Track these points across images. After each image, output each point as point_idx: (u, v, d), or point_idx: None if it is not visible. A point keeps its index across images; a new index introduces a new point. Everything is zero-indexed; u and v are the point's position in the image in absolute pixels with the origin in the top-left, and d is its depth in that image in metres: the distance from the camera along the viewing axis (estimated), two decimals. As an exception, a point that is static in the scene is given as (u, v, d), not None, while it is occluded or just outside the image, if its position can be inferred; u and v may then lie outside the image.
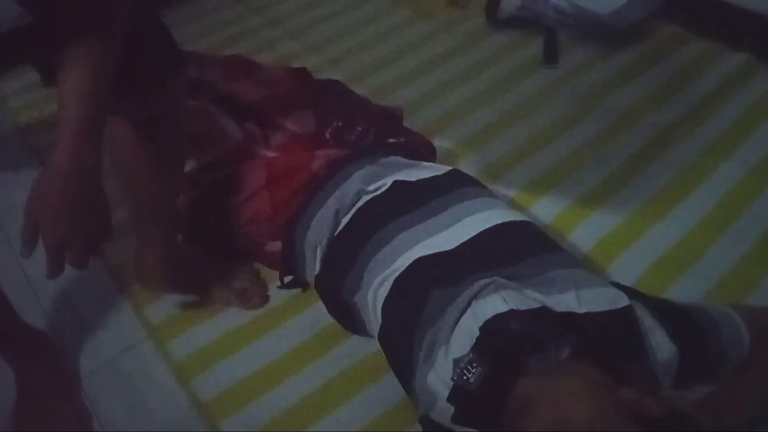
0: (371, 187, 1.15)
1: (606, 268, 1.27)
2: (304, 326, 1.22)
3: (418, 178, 1.16)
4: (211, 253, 1.33)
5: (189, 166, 1.33)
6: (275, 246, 1.23)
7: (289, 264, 1.22)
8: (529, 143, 1.56)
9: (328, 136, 1.38)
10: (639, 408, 0.74)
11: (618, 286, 0.97)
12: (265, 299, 1.26)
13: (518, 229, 1.07)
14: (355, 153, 1.26)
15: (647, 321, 0.91)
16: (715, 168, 1.46)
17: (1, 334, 1.10)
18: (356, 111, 1.45)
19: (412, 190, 1.13)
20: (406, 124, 1.53)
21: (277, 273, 1.27)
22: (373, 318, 1.04)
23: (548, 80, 1.74)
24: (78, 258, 0.83)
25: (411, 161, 1.24)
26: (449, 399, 0.87)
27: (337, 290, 1.12)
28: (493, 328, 0.86)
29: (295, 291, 1.27)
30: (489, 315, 0.87)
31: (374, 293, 1.03)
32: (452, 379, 0.86)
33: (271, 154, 1.33)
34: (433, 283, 0.96)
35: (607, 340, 0.87)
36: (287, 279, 1.26)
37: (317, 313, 1.21)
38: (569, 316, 0.87)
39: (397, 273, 1.00)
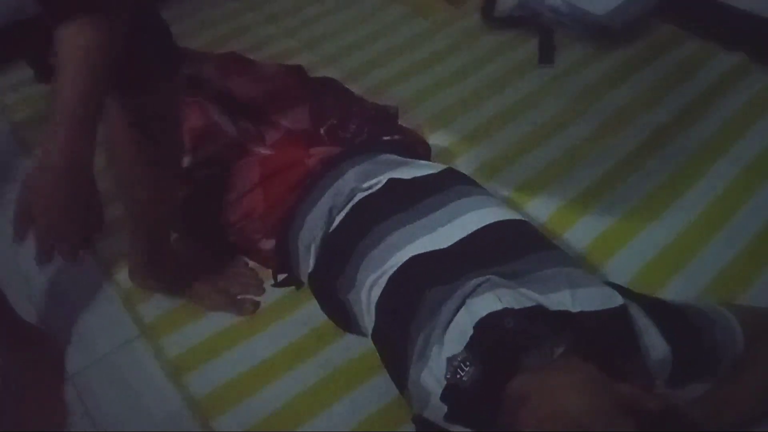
0: (366, 185, 1.14)
1: (601, 267, 1.27)
2: (298, 324, 1.21)
3: (412, 176, 1.16)
4: (205, 250, 1.32)
5: (183, 163, 1.32)
6: (269, 243, 1.23)
7: (283, 262, 1.22)
8: (524, 142, 1.56)
9: (322, 133, 1.38)
10: (634, 402, 0.74)
11: (612, 285, 0.97)
12: (256, 305, 1.25)
13: (513, 227, 1.07)
14: (350, 150, 1.26)
15: (641, 320, 0.91)
16: (709, 167, 1.46)
17: None
18: (351, 109, 1.45)
19: (407, 188, 1.13)
20: (402, 122, 1.53)
21: (270, 271, 1.27)
22: (367, 316, 1.04)
23: (544, 79, 1.74)
24: (68, 250, 0.83)
25: (406, 159, 1.23)
26: (442, 397, 0.87)
27: (331, 288, 1.12)
28: (487, 326, 0.86)
29: (289, 289, 1.26)
30: (483, 313, 0.87)
31: (368, 291, 1.02)
32: (446, 377, 0.86)
33: (265, 151, 1.32)
34: (428, 281, 0.96)
35: (602, 339, 0.87)
36: (281, 277, 1.25)
37: (311, 311, 1.21)
38: (563, 315, 0.86)
39: (392, 271, 1.00)
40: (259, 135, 1.39)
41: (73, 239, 0.83)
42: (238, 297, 1.25)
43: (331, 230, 1.13)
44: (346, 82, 1.60)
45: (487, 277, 0.92)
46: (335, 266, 1.09)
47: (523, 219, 1.11)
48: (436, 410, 0.88)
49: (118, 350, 1.20)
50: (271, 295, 1.27)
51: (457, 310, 0.90)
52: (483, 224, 1.03)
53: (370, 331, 1.04)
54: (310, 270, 1.15)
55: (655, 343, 0.90)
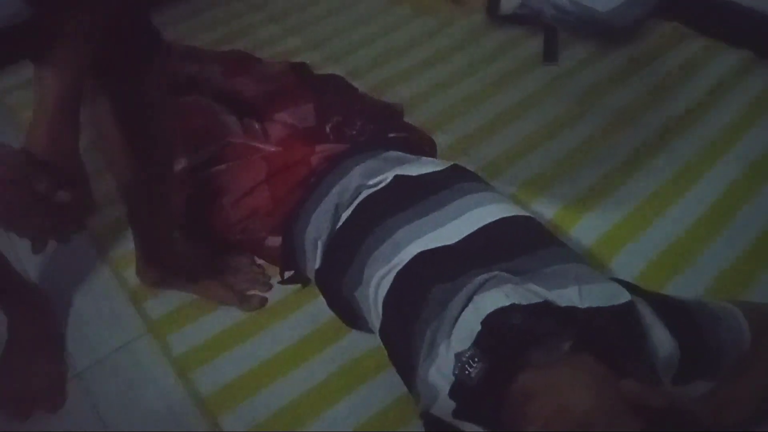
0: (372, 182, 1.15)
1: (606, 264, 1.27)
2: (305, 321, 1.22)
3: (418, 173, 1.16)
4: (210, 249, 1.33)
5: (189, 161, 1.33)
6: (275, 241, 1.23)
7: (289, 259, 1.22)
8: (529, 140, 1.56)
9: (328, 130, 1.38)
10: (639, 398, 0.74)
11: (619, 281, 0.97)
12: (263, 301, 1.25)
13: (519, 223, 1.07)
14: (356, 148, 1.26)
15: (648, 317, 0.91)
16: (714, 165, 1.46)
17: None
18: (356, 106, 1.45)
19: (413, 185, 1.13)
20: (407, 119, 1.53)
21: (277, 268, 1.27)
22: (374, 313, 1.04)
23: (548, 77, 1.74)
24: (59, 236, 0.82)
25: (411, 156, 1.23)
26: (450, 394, 0.87)
27: (337, 285, 1.12)
28: (494, 322, 0.86)
29: (296, 286, 1.27)
30: (490, 309, 0.87)
31: (375, 288, 1.02)
32: (453, 374, 0.86)
33: (270, 148, 1.32)
34: (435, 277, 0.96)
35: (609, 335, 0.87)
36: (287, 274, 1.25)
37: (317, 308, 1.21)
38: (571, 311, 0.86)
39: (399, 268, 1.00)
40: (264, 132, 1.38)
41: (62, 224, 0.82)
42: (246, 293, 1.25)
43: (337, 227, 1.13)
44: (351, 80, 1.61)
45: (494, 273, 0.92)
46: (342, 263, 1.09)
47: (529, 215, 1.11)
48: (445, 406, 0.88)
49: (125, 348, 1.20)
50: (277, 292, 1.27)
51: (465, 306, 0.89)
52: (490, 220, 1.03)
53: (377, 328, 1.04)
54: (316, 267, 1.15)
55: (662, 340, 0.90)
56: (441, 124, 1.60)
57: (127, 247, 1.29)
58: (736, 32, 1.78)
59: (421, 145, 1.39)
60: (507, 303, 0.87)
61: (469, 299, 0.90)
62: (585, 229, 1.35)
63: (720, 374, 0.95)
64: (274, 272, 1.28)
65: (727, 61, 1.74)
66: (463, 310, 0.90)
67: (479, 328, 0.86)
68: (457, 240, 1.01)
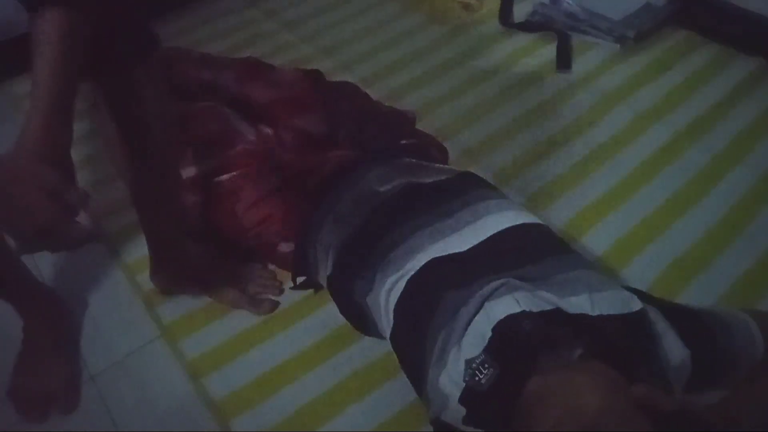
0: (384, 189, 1.15)
1: (618, 272, 1.27)
2: (317, 327, 1.22)
3: (430, 180, 1.16)
4: (222, 254, 1.33)
5: (201, 168, 1.34)
6: (288, 247, 1.23)
7: (302, 265, 1.22)
8: (541, 147, 1.56)
9: (340, 138, 1.39)
10: (651, 402, 0.74)
11: (630, 289, 0.97)
12: (275, 305, 1.26)
13: (531, 231, 1.07)
14: (368, 155, 1.27)
15: (660, 325, 0.91)
16: (727, 173, 1.46)
17: (13, 286, 1.13)
18: (369, 113, 1.46)
19: (426, 192, 1.14)
20: (419, 127, 1.53)
21: (289, 274, 1.27)
22: (385, 319, 1.04)
23: (561, 85, 1.74)
24: (58, 241, 0.82)
25: (423, 163, 1.24)
26: (461, 400, 0.87)
27: (349, 291, 1.12)
28: (505, 329, 0.86)
29: (308, 292, 1.27)
30: (501, 316, 0.87)
31: (387, 294, 1.03)
32: (464, 380, 0.86)
33: (284, 155, 1.33)
34: (446, 284, 0.96)
35: (620, 343, 0.87)
36: (300, 280, 1.26)
37: (329, 314, 1.22)
38: (582, 319, 0.86)
39: (410, 274, 1.00)
40: (277, 139, 1.40)
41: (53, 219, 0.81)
42: (257, 296, 1.26)
43: (349, 234, 1.14)
44: (363, 87, 1.61)
45: (506, 280, 0.92)
46: (353, 269, 1.10)
47: (541, 223, 1.11)
48: (455, 413, 0.88)
49: (138, 352, 1.22)
50: (289, 297, 1.28)
51: (476, 312, 0.89)
52: (501, 228, 1.04)
53: (388, 334, 1.04)
54: (328, 273, 1.16)
55: (673, 348, 0.90)
56: (453, 131, 1.61)
57: (141, 252, 1.30)
58: (748, 40, 1.77)
59: (433, 152, 1.39)
60: (518, 310, 0.87)
61: (481, 306, 0.90)
62: (597, 237, 1.34)
63: (732, 383, 0.94)
64: (286, 278, 1.28)
65: (740, 68, 1.73)
66: (474, 316, 0.90)
67: (490, 334, 0.86)
68: (468, 247, 1.01)
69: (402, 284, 1.00)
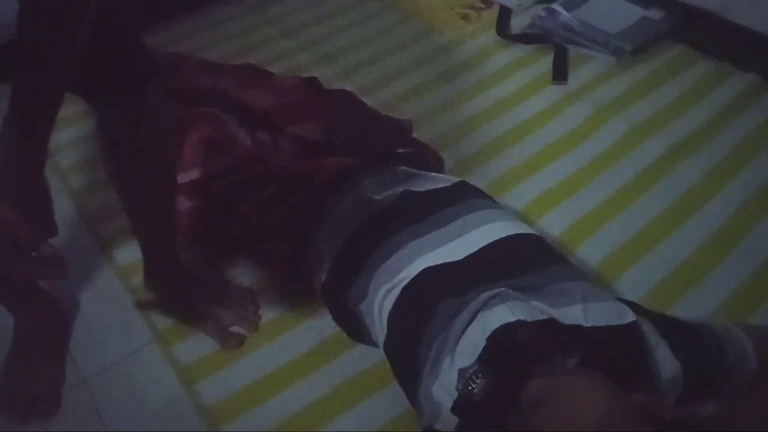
0: (380, 197, 1.15)
1: (611, 284, 1.27)
2: (310, 334, 1.22)
3: (426, 189, 1.16)
4: (217, 261, 1.33)
5: (198, 173, 1.34)
6: (285, 253, 1.23)
7: (298, 271, 1.23)
8: (537, 158, 1.56)
9: (337, 145, 1.39)
10: (652, 408, 0.74)
11: (623, 301, 0.98)
12: (242, 341, 1.22)
13: (526, 241, 1.07)
14: (364, 162, 1.27)
15: (652, 337, 0.91)
16: (722, 187, 1.46)
17: (6, 285, 1.12)
18: (366, 121, 1.47)
19: (421, 200, 1.14)
20: (416, 136, 1.54)
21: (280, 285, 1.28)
22: (379, 327, 1.04)
23: (557, 96, 1.75)
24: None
25: (419, 172, 1.24)
26: (453, 410, 0.87)
27: (343, 298, 1.12)
28: (499, 338, 0.86)
29: (303, 298, 1.27)
30: (495, 325, 0.87)
31: (380, 302, 1.03)
32: (457, 389, 0.86)
33: (281, 162, 1.34)
34: (441, 293, 0.96)
35: (613, 355, 0.87)
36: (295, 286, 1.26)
37: (323, 322, 1.22)
38: (576, 329, 0.87)
39: (404, 282, 1.00)
40: (275, 146, 1.40)
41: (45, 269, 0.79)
42: (229, 328, 1.23)
43: (344, 241, 1.14)
44: (361, 95, 1.62)
45: (500, 289, 0.92)
46: (348, 277, 1.10)
47: (535, 233, 1.11)
48: (447, 422, 0.88)
49: (131, 356, 1.21)
50: (283, 304, 1.27)
51: (470, 322, 0.90)
52: (496, 237, 1.04)
53: (381, 342, 1.05)
54: (323, 280, 1.16)
55: (665, 361, 0.90)
56: (449, 140, 1.61)
57: (134, 256, 1.30)
58: (744, 56, 1.78)
59: (429, 161, 1.40)
60: (512, 319, 0.87)
61: (475, 315, 0.90)
62: (591, 249, 1.35)
63: (725, 396, 0.95)
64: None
65: (736, 84, 1.74)
66: (468, 325, 0.90)
67: (484, 343, 0.87)
68: (463, 256, 1.01)
69: (396, 292, 1.00)
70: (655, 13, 1.91)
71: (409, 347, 0.97)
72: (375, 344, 1.11)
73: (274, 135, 1.41)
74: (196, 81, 1.55)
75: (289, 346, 1.21)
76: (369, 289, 1.05)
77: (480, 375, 0.85)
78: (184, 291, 1.25)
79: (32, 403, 1.14)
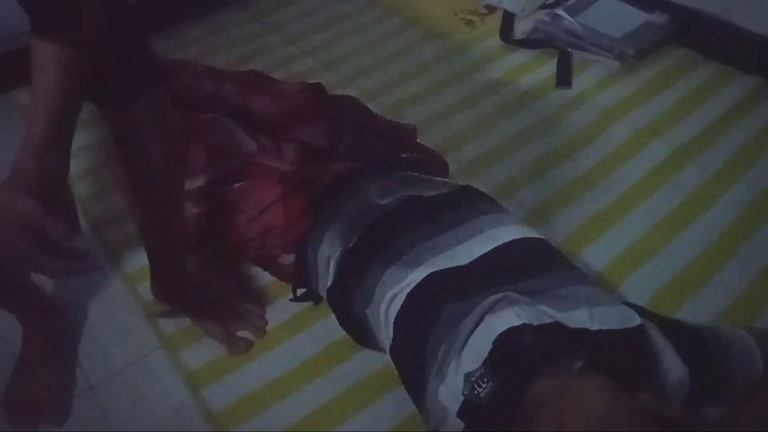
0: (384, 202, 1.15)
1: (617, 288, 1.28)
2: (316, 339, 1.22)
3: (431, 194, 1.17)
4: (222, 272, 1.34)
5: (203, 179, 1.35)
6: (289, 259, 1.24)
7: (302, 277, 1.23)
8: (541, 163, 1.57)
9: (341, 150, 1.39)
10: (657, 409, 0.74)
11: (630, 305, 0.98)
12: (250, 345, 1.23)
13: (531, 245, 1.08)
14: (369, 167, 1.27)
15: (659, 341, 0.91)
16: (725, 190, 1.46)
17: (14, 294, 1.13)
18: (370, 126, 1.47)
19: (426, 205, 1.14)
20: (420, 141, 1.54)
21: (289, 286, 1.28)
22: (385, 332, 1.04)
23: (561, 101, 1.75)
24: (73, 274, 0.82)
25: (424, 176, 1.24)
26: (459, 414, 0.87)
27: (349, 303, 1.12)
28: (505, 342, 0.86)
29: (308, 304, 1.27)
30: (502, 329, 0.87)
31: (387, 307, 1.03)
32: (463, 393, 0.87)
33: (285, 167, 1.34)
34: (447, 297, 0.96)
35: (619, 358, 0.87)
36: (300, 292, 1.26)
37: (329, 327, 1.22)
38: (582, 333, 0.87)
39: (411, 287, 1.00)
40: (278, 151, 1.40)
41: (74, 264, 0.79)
42: (235, 333, 1.24)
43: (350, 246, 1.14)
44: (365, 101, 1.62)
45: (506, 293, 0.92)
46: (354, 281, 1.10)
47: (541, 237, 1.11)
48: (453, 427, 0.88)
49: (138, 362, 1.22)
50: (289, 310, 1.28)
51: (476, 326, 0.90)
52: (502, 242, 1.04)
53: (387, 347, 1.05)
54: (328, 285, 1.16)
55: (672, 365, 0.90)
56: (454, 145, 1.62)
57: (141, 262, 1.30)
58: (748, 59, 1.78)
59: (433, 165, 1.40)
60: (518, 323, 0.87)
61: (481, 319, 0.90)
62: (596, 253, 1.35)
63: (731, 400, 0.95)
64: (286, 290, 1.28)
65: (739, 87, 1.74)
66: (474, 329, 0.90)
67: (490, 347, 0.87)
68: (469, 261, 1.01)
69: (402, 297, 1.00)
70: (658, 17, 1.91)
71: (415, 351, 0.97)
72: (381, 349, 1.12)
73: (278, 140, 1.42)
74: (200, 87, 1.55)
75: (295, 352, 1.21)
76: (375, 294, 1.05)
77: (486, 379, 0.85)
78: (190, 296, 1.25)
79: (41, 409, 1.14)
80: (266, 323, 1.26)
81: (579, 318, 0.88)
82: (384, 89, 1.83)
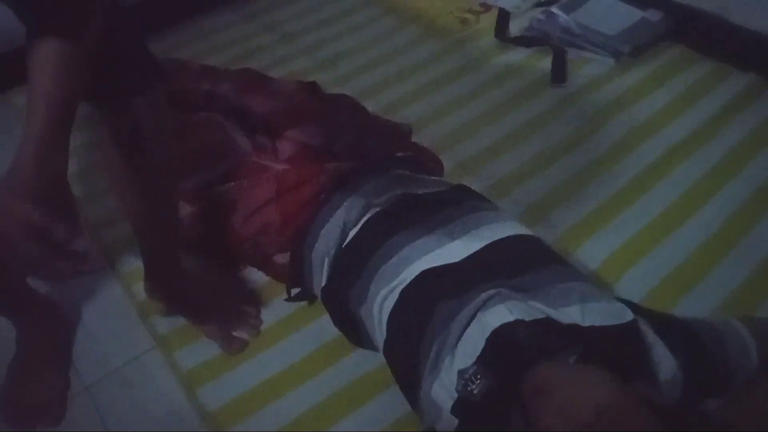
0: (379, 200, 1.16)
1: (613, 285, 1.27)
2: (311, 339, 1.22)
3: (425, 192, 1.17)
4: (217, 265, 1.34)
5: (199, 178, 1.34)
6: (284, 258, 1.24)
7: (297, 276, 1.23)
8: (536, 161, 1.57)
9: (337, 149, 1.39)
10: (654, 398, 0.74)
11: (622, 301, 0.98)
12: (245, 345, 1.22)
13: (524, 242, 1.08)
14: (364, 166, 1.27)
15: (650, 337, 0.91)
16: (721, 187, 1.46)
17: (7, 295, 1.13)
18: (365, 125, 1.47)
19: (420, 203, 1.14)
20: (415, 140, 1.54)
21: (283, 286, 1.28)
22: (378, 330, 1.04)
23: (556, 99, 1.75)
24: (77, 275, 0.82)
25: (419, 176, 1.25)
26: (453, 411, 0.87)
27: (343, 302, 1.12)
28: (498, 338, 0.86)
29: (302, 303, 1.27)
30: (494, 326, 0.87)
31: (380, 305, 1.03)
32: (457, 390, 0.87)
33: (280, 166, 1.34)
34: (440, 295, 0.96)
35: (611, 354, 0.87)
36: (294, 291, 1.26)
37: (323, 326, 1.22)
38: (573, 329, 0.87)
39: (404, 285, 1.00)
40: (274, 150, 1.40)
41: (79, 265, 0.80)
42: (231, 332, 1.24)
43: (344, 245, 1.14)
44: (360, 100, 1.62)
45: (498, 289, 0.92)
46: (348, 280, 1.10)
47: (533, 235, 1.12)
48: (447, 423, 0.88)
49: (133, 362, 1.21)
50: (284, 309, 1.28)
51: (469, 322, 0.90)
52: (495, 239, 1.04)
53: (381, 346, 1.05)
54: (323, 284, 1.16)
55: (663, 360, 0.90)
56: (449, 144, 1.62)
57: (136, 263, 1.30)
58: (743, 56, 1.78)
59: (428, 164, 1.40)
60: (511, 319, 0.87)
61: (474, 316, 0.90)
62: (591, 250, 1.35)
63: (728, 392, 0.94)
64: (280, 289, 1.28)
65: (735, 84, 1.74)
66: (467, 326, 0.90)
67: (483, 344, 0.87)
68: (462, 258, 1.02)
69: (395, 295, 1.01)
70: (653, 14, 1.91)
71: (409, 349, 0.97)
72: (375, 348, 1.12)
73: (273, 139, 1.42)
74: (196, 86, 1.55)
75: (290, 351, 1.21)
76: (368, 292, 1.05)
77: (479, 376, 0.85)
78: (186, 296, 1.25)
79: (37, 411, 1.14)
80: (261, 322, 1.26)
81: (571, 314, 0.89)
82: (380, 88, 1.82)
